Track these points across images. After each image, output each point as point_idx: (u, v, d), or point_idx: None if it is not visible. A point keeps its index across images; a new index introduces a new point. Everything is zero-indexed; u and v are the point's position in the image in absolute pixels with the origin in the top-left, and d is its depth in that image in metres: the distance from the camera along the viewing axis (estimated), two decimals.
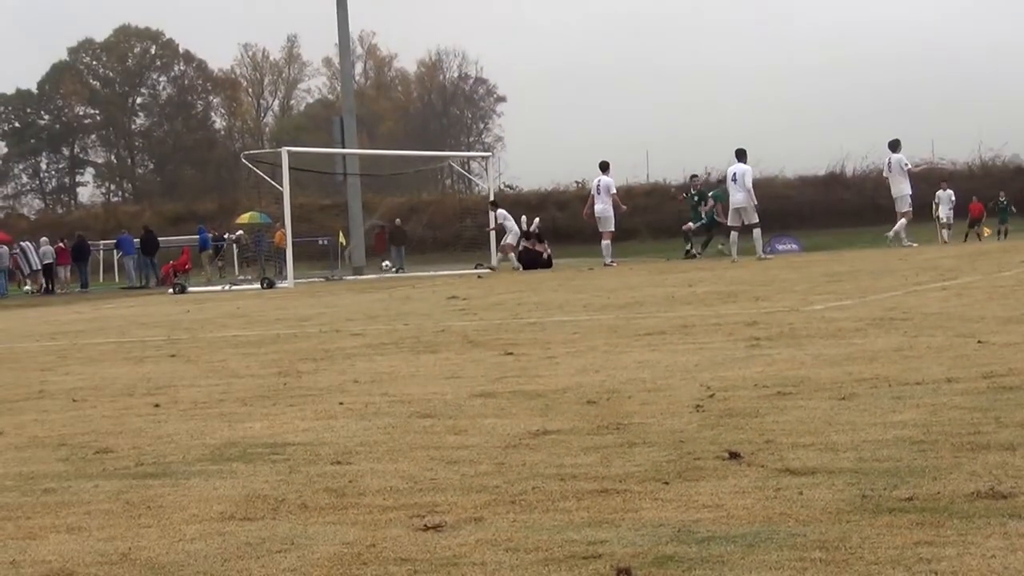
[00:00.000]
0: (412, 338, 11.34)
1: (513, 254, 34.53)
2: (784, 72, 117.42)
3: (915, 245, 28.95)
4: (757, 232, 27.82)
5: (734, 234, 28.19)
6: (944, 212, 40.64)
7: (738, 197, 27.69)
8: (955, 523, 3.56)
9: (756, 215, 27.68)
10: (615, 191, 31.06)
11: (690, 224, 34.07)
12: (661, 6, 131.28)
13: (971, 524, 3.54)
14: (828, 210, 59.18)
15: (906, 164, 29.00)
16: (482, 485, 4.46)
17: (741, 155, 28.19)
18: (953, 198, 41.28)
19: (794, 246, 44.73)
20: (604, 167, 31.01)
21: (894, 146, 29.20)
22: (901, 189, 28.79)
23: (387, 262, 39.22)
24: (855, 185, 62.98)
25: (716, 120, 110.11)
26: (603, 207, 30.53)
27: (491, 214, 36.58)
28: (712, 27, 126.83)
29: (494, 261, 36.05)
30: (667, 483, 4.32)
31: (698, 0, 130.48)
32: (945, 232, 39.17)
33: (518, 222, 35.09)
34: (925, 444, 4.72)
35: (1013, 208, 48.38)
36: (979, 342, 8.07)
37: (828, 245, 37.06)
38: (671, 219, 58.83)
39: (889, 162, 29.27)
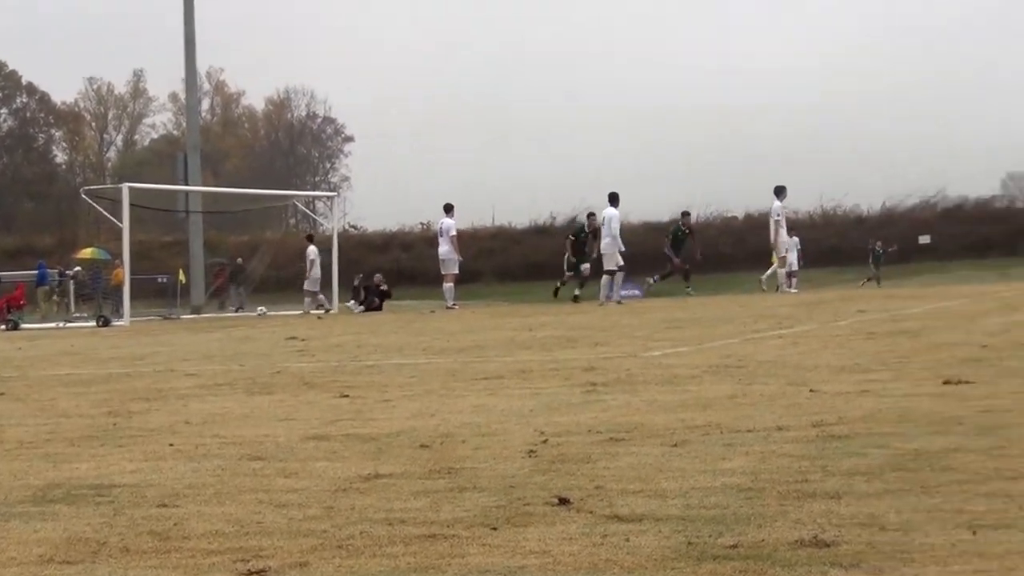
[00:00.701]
0: (247, 379, 11.18)
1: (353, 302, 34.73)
2: (635, 118, 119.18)
3: (794, 291, 29.63)
4: (606, 279, 28.15)
5: (605, 278, 28.45)
6: (792, 259, 41.56)
7: (605, 242, 28.06)
8: (777, 571, 3.59)
9: (613, 262, 28.08)
10: (455, 234, 31.18)
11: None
12: (509, 51, 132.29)
13: (793, 572, 3.58)
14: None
15: (778, 214, 29.76)
16: (309, 529, 4.40)
17: (613, 199, 28.58)
18: (799, 245, 42.24)
19: (636, 292, 45.25)
20: (448, 209, 31.15)
21: (778, 192, 29.94)
22: (782, 235, 29.56)
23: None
24: (697, 232, 63.96)
25: (569, 164, 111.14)
26: (445, 249, 30.70)
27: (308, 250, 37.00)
28: (567, 70, 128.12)
29: (329, 301, 36.07)
30: (495, 529, 4.30)
31: (558, 42, 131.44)
32: (792, 280, 39.89)
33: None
34: (752, 492, 4.78)
35: (883, 254, 49.58)
36: (811, 391, 8.23)
37: (670, 291, 37.62)
38: (515, 262, 59.24)
39: (773, 208, 30.08)
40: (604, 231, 28.16)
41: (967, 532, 3.97)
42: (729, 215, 63.84)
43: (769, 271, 29.57)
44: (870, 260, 48.99)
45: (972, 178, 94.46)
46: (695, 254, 33.10)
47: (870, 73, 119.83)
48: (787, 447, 5.84)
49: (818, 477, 5.03)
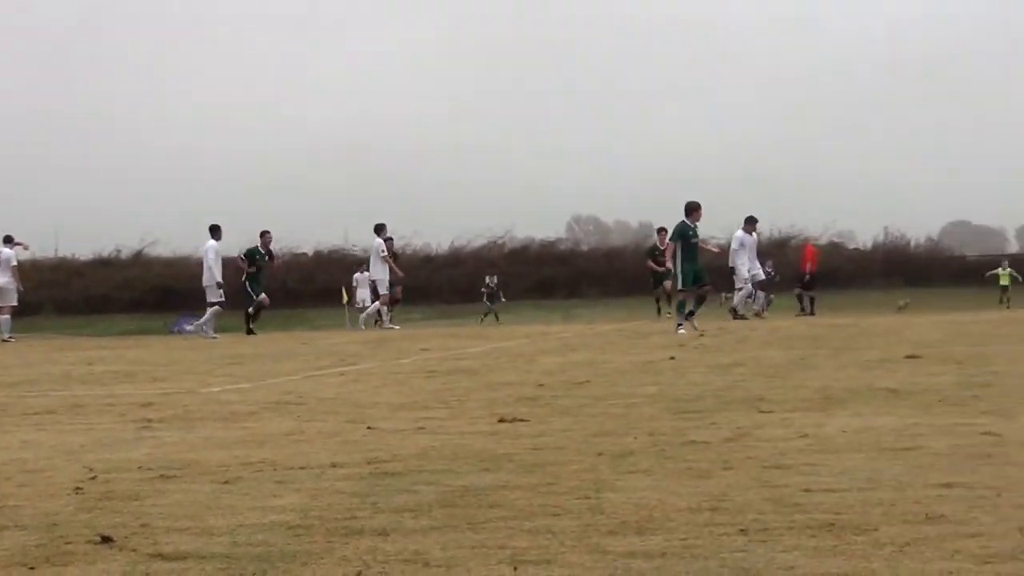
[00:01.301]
0: None
1: None
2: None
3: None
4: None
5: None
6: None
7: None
8: None
9: (214, 294, 28.15)
10: (16, 264, 30.37)
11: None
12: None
13: None
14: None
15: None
16: None
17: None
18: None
19: (188, 327, 44.57)
20: (7, 240, 30.29)
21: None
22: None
23: None
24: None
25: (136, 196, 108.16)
26: (5, 280, 29.72)
27: None
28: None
29: None
30: (33, 568, 4.17)
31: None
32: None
33: None
34: (301, 529, 4.82)
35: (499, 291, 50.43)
36: (369, 428, 8.36)
37: (235, 327, 37.22)
38: (77, 295, 57.11)
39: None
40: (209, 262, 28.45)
41: (509, 567, 4.15)
42: (300, 251, 63.82)
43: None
44: (484, 298, 50.13)
45: (540, 220, 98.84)
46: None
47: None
48: (339, 484, 5.92)
49: (367, 514, 5.13)
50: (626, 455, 6.73)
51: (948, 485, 5.44)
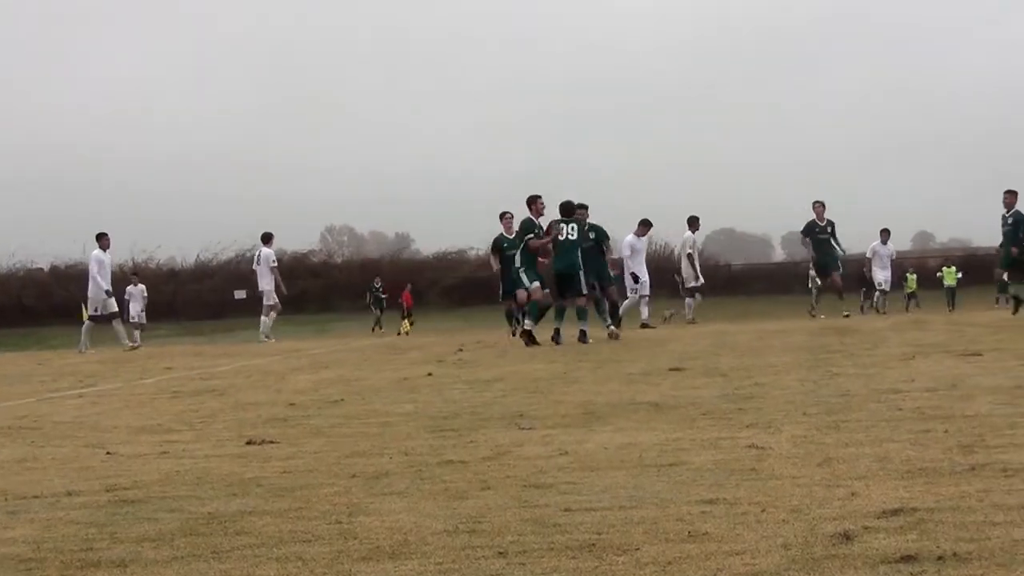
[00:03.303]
0: None
1: None
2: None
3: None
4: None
5: None
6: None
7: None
8: None
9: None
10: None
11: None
12: None
13: None
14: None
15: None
16: None
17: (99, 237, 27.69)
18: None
19: None
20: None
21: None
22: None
23: None
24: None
25: None
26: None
27: None
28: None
29: None
30: None
31: None
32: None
33: None
34: (34, 562, 4.70)
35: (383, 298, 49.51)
36: (108, 453, 8.19)
37: None
38: None
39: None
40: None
41: None
42: (35, 266, 61.97)
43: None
44: (371, 304, 49.17)
45: (292, 231, 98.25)
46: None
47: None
48: (75, 513, 5.78)
49: (105, 545, 5.01)
50: (381, 476, 6.75)
51: (711, 501, 5.60)
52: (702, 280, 30.36)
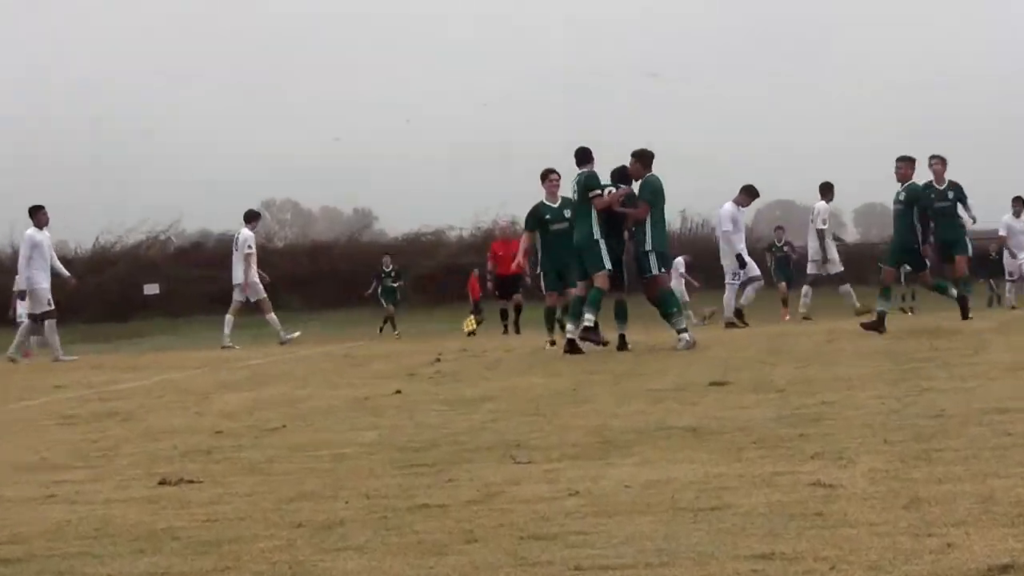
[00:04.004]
0: None
1: None
2: None
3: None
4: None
5: None
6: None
7: None
8: None
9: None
10: None
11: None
12: None
13: None
14: None
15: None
16: None
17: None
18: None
19: None
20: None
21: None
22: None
23: None
24: None
25: None
26: None
27: None
28: None
29: None
30: None
31: None
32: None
33: None
34: None
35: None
36: None
37: None
38: None
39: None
40: None
41: None
42: None
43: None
44: (378, 292, 49.00)
45: (219, 208, 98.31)
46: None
47: None
48: None
49: None
50: (334, 526, 6.72)
51: (765, 556, 5.58)
52: (839, 265, 30.25)
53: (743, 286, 28.11)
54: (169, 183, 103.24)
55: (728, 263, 27.68)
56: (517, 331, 31.83)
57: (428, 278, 59.55)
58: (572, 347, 19.10)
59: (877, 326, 20.17)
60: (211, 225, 66.87)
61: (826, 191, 30.32)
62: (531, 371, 16.63)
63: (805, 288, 30.53)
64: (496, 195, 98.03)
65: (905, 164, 22.05)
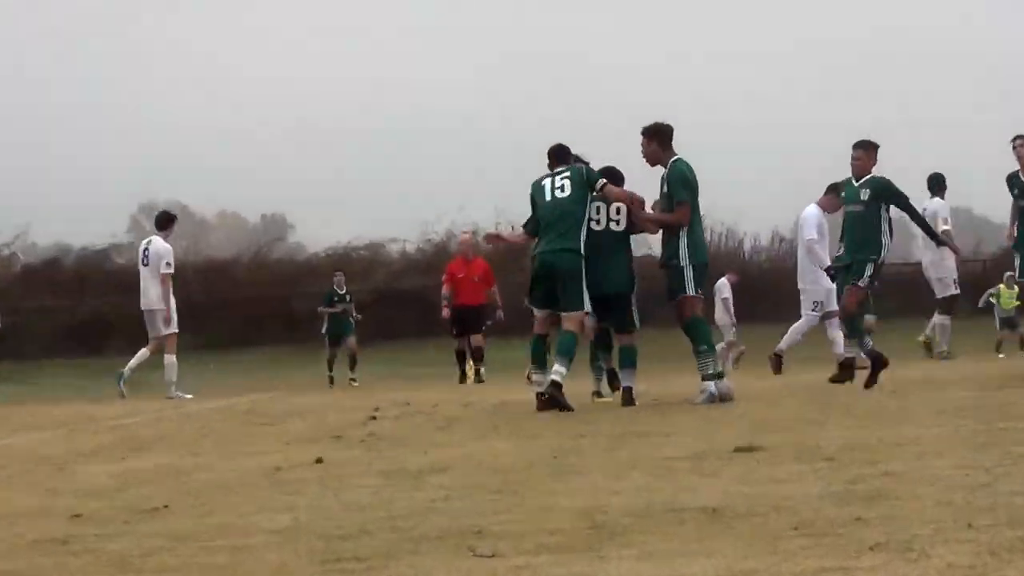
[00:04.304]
0: None
1: None
2: None
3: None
4: None
5: None
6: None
7: None
8: None
9: None
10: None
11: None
12: None
13: None
14: None
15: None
16: None
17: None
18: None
19: None
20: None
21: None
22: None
23: None
24: None
25: None
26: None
27: None
28: None
29: None
30: None
31: None
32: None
33: None
34: None
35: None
36: None
37: None
38: None
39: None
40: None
41: None
42: None
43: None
44: (323, 328, 49.33)
45: (84, 214, 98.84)
46: None
47: None
48: None
49: None
50: None
51: None
52: (955, 286, 29.95)
53: (823, 318, 27.76)
54: (12, 183, 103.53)
55: (809, 286, 27.49)
56: (479, 379, 32.04)
57: (361, 307, 59.68)
58: (549, 402, 18.91)
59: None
60: (70, 237, 66.94)
61: (939, 186, 30.11)
62: (496, 432, 16.65)
63: (942, 319, 30.18)
64: (452, 194, 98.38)
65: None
